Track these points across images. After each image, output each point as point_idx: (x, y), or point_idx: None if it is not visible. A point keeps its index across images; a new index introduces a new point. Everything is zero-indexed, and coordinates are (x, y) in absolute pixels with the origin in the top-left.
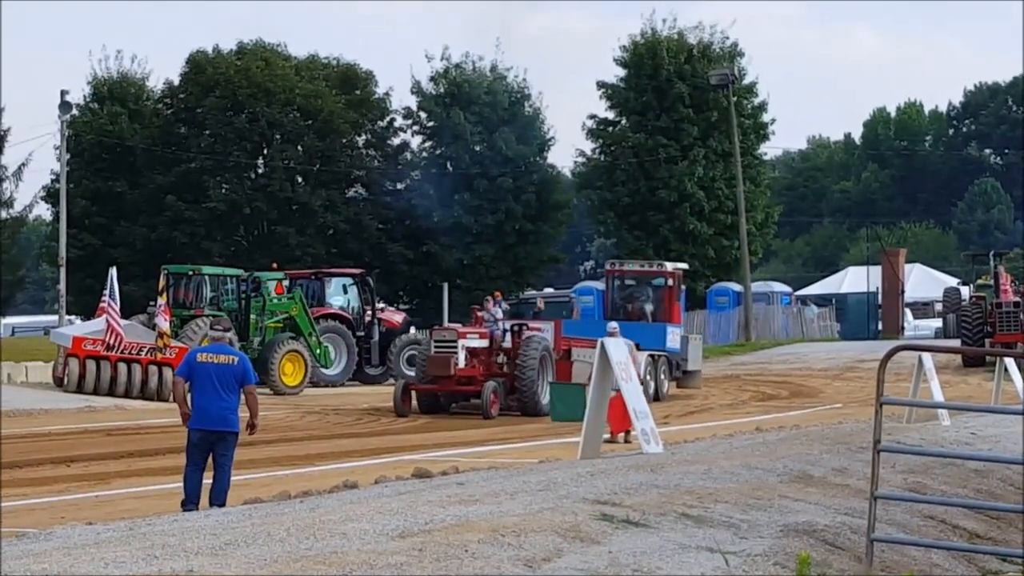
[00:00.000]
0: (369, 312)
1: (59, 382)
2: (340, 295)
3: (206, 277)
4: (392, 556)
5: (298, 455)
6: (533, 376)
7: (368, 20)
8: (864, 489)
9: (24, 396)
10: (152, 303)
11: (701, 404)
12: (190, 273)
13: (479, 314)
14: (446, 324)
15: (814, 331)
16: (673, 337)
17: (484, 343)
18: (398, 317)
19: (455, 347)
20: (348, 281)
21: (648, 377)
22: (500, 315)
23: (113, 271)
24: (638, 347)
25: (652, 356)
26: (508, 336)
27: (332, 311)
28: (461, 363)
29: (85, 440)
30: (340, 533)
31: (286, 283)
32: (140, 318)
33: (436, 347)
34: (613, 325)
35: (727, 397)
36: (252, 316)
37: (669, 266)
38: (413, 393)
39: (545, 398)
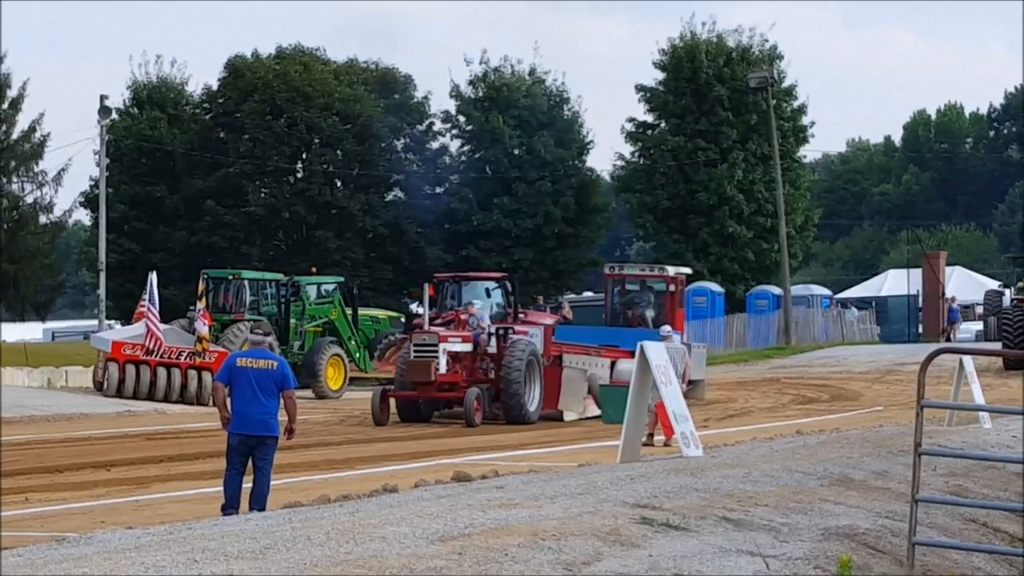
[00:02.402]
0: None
1: (99, 386)
2: (480, 298)
3: (246, 282)
4: (432, 560)
5: (337, 459)
6: (519, 382)
7: (407, 23)
8: (905, 492)
9: (64, 400)
10: (192, 307)
11: (741, 407)
12: (230, 278)
13: (463, 317)
14: (426, 327)
15: (854, 334)
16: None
17: (467, 347)
18: (548, 319)
19: (436, 351)
20: (491, 284)
21: None
22: (487, 322)
23: (153, 276)
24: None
25: None
26: (493, 340)
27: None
28: (442, 368)
29: (125, 444)
30: (380, 537)
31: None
32: (181, 322)
33: (416, 351)
34: (667, 329)
35: (767, 400)
36: (292, 320)
37: (671, 270)
38: (392, 401)
39: (532, 405)
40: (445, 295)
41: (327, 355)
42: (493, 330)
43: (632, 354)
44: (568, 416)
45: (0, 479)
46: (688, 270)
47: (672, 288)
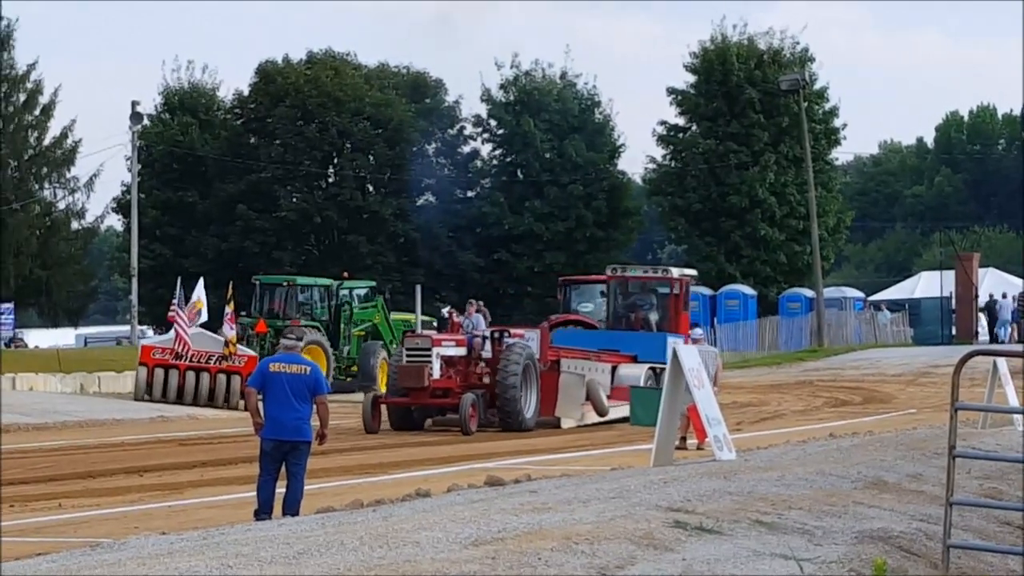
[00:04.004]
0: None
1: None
2: (590, 302)
3: (299, 288)
4: (465, 564)
5: (370, 464)
6: (515, 388)
7: (435, 27)
8: (939, 495)
9: (97, 406)
10: (243, 312)
11: (774, 410)
12: (284, 284)
13: (456, 320)
14: (419, 331)
15: (887, 336)
16: None
17: (461, 351)
18: None
19: (429, 356)
20: (604, 287)
21: None
22: (482, 325)
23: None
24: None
25: (652, 369)
26: (487, 344)
27: (575, 317)
28: (436, 373)
29: (158, 450)
30: (413, 542)
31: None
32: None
33: (408, 356)
34: (699, 332)
35: (800, 403)
36: (341, 325)
37: (675, 272)
38: (383, 407)
39: (529, 412)
40: (567, 298)
41: (378, 359)
42: (488, 333)
43: (633, 358)
44: (565, 423)
45: (0, 487)
46: (694, 272)
47: (676, 291)
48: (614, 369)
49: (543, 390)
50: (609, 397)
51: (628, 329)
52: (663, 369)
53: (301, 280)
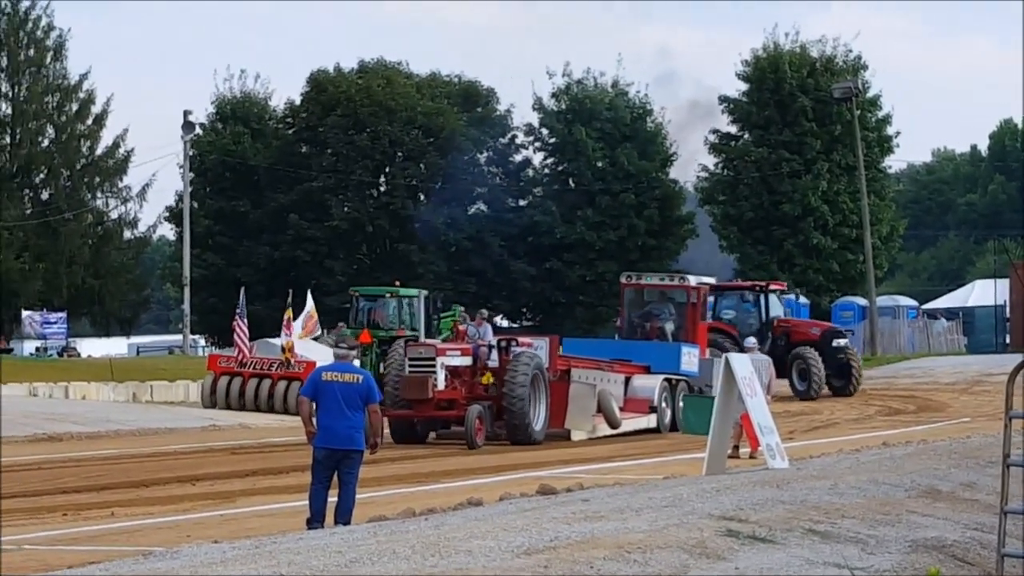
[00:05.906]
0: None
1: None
2: (733, 308)
3: (400, 299)
4: (517, 573)
5: (422, 472)
6: (523, 399)
7: (489, 37)
8: (993, 504)
9: (149, 415)
10: (341, 323)
11: (827, 419)
12: (386, 295)
13: (461, 328)
14: (423, 339)
15: (941, 345)
16: (689, 359)
17: (467, 361)
18: (816, 329)
19: (433, 366)
20: (747, 294)
21: (664, 404)
22: (490, 335)
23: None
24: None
25: (668, 380)
26: (494, 353)
27: (718, 324)
28: (440, 384)
29: (209, 459)
30: (465, 550)
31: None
32: (329, 338)
33: (411, 366)
34: (752, 341)
35: (853, 412)
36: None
37: (692, 280)
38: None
39: (538, 424)
40: (714, 304)
41: None
42: (494, 342)
43: (646, 369)
44: (576, 435)
45: (0, 499)
46: (711, 280)
47: (694, 300)
48: (628, 380)
49: (553, 401)
50: (622, 409)
51: (643, 339)
52: (678, 381)
53: (403, 292)
